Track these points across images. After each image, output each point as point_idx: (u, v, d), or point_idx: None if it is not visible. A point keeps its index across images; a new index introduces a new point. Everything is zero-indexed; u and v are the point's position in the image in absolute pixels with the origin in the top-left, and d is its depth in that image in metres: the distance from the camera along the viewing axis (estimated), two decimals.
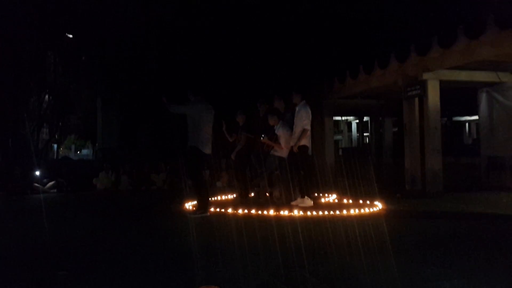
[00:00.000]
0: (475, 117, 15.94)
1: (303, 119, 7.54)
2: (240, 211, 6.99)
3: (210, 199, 7.32)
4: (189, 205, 7.85)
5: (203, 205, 6.75)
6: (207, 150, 6.78)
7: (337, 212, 6.72)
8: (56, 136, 20.06)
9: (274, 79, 15.09)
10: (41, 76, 16.71)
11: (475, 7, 10.92)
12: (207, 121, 6.77)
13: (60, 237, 5.36)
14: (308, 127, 7.57)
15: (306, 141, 7.60)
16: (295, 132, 7.62)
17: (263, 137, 8.04)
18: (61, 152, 27.82)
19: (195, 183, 6.85)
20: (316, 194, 8.58)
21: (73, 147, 40.63)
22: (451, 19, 11.05)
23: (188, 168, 6.93)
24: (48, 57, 17.44)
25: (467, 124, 22.58)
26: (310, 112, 7.65)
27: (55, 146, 23.48)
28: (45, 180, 11.78)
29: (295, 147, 7.53)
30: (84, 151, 40.60)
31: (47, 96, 17.78)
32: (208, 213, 6.74)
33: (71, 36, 17.26)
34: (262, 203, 7.78)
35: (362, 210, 6.88)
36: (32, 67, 15.96)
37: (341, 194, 8.84)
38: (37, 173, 12.17)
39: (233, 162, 9.33)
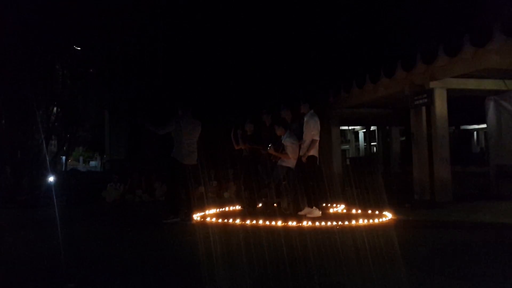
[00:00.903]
0: (483, 126, 15.88)
1: (312, 129, 7.53)
2: (247, 222, 6.97)
3: (197, 207, 7.92)
4: (197, 216, 7.85)
5: (174, 210, 7.32)
6: (188, 161, 7.38)
7: (346, 222, 6.68)
8: (65, 148, 20.17)
9: (280, 88, 15.12)
10: (49, 88, 16.85)
11: (482, 14, 10.90)
12: (190, 134, 7.43)
13: (68, 249, 5.36)
14: (317, 138, 7.56)
15: (314, 152, 7.59)
16: (304, 141, 7.61)
17: (269, 147, 8.03)
18: (69, 164, 27.93)
19: (170, 189, 7.71)
20: (324, 204, 8.54)
21: (81, 159, 40.86)
22: (458, 27, 11.03)
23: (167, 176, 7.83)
24: (56, 70, 17.61)
25: (475, 133, 22.46)
26: (318, 122, 7.65)
27: (63, 158, 23.60)
28: (64, 198, 11.78)
29: (304, 158, 7.52)
30: (92, 163, 40.78)
31: (55, 109, 17.91)
32: (179, 219, 7.25)
33: (79, 48, 17.43)
34: (269, 214, 7.76)
35: (370, 220, 6.83)
36: (40, 79, 16.10)
37: (349, 204, 8.79)
38: (50, 180, 12.24)
39: (240, 172, 9.32)
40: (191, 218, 7.33)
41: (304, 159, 7.52)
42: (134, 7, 15.38)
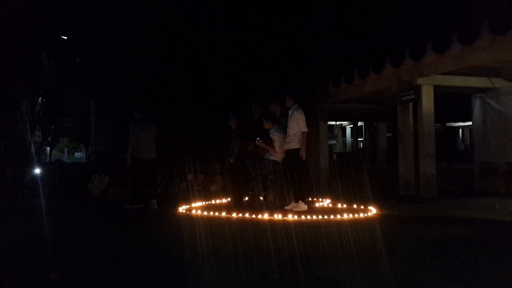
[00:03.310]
0: (469, 123, 16.05)
1: (300, 122, 7.56)
2: (234, 215, 6.96)
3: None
4: (182, 208, 7.82)
5: (137, 198, 8.58)
6: (147, 157, 8.59)
7: (331, 216, 6.70)
8: (49, 139, 19.91)
9: (269, 82, 15.09)
10: (34, 78, 16.59)
11: (470, 12, 10.97)
12: (146, 134, 8.62)
13: (52, 240, 5.30)
14: (306, 129, 7.60)
15: (299, 145, 7.60)
16: (289, 135, 7.63)
17: (257, 140, 8.02)
18: (53, 155, 27.63)
19: (133, 181, 9.04)
20: (310, 199, 8.56)
21: (66, 150, 40.44)
22: (446, 24, 11.09)
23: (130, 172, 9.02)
24: (42, 59, 17.34)
25: (460, 130, 22.70)
26: (303, 114, 7.69)
27: (48, 149, 23.33)
28: (47, 189, 11.63)
29: (303, 152, 7.52)
30: (77, 154, 40.40)
31: (40, 99, 17.65)
32: (142, 205, 8.46)
33: (65, 38, 17.18)
34: (256, 207, 7.76)
35: (356, 215, 6.86)
36: (25, 69, 15.85)
37: (335, 198, 8.82)
38: (34, 171, 12.06)
39: (227, 166, 9.32)
40: (154, 203, 8.41)
41: (303, 153, 7.53)
42: None
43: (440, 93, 9.82)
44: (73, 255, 4.48)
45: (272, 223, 6.30)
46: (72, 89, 18.45)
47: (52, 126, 18.35)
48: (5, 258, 4.39)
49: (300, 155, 7.56)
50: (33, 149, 16.50)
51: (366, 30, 16.53)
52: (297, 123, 7.57)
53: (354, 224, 6.09)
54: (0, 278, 3.66)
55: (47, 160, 20.97)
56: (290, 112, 7.78)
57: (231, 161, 8.89)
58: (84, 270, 3.88)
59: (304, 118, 7.64)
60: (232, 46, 16.47)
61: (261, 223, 6.33)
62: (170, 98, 16.19)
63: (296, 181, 7.65)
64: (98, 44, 16.91)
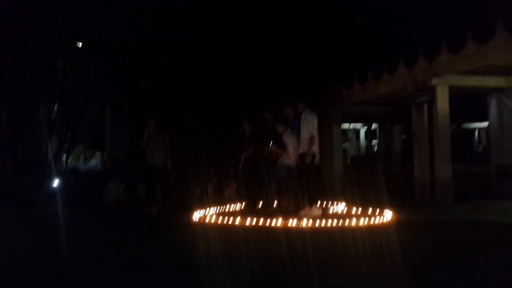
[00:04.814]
0: (485, 124, 15.81)
1: (310, 125, 7.52)
2: (248, 220, 6.93)
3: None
4: (197, 214, 7.82)
5: (153, 202, 9.29)
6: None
7: (346, 222, 6.62)
8: (65, 146, 20.11)
9: (281, 86, 15.06)
10: (50, 85, 16.79)
11: (484, 10, 10.81)
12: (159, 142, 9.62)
13: (67, 249, 5.33)
14: (314, 133, 7.53)
15: (314, 148, 7.54)
16: (302, 140, 7.58)
17: (271, 145, 7.99)
18: (69, 163, 27.87)
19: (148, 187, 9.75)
20: (324, 203, 8.48)
21: (82, 157, 40.82)
22: (460, 23, 10.95)
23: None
24: (57, 66, 17.54)
25: (476, 131, 22.35)
26: (316, 118, 7.63)
27: (64, 156, 23.54)
28: (64, 197, 11.74)
29: (308, 157, 7.45)
30: (92, 162, 40.68)
31: (56, 106, 17.82)
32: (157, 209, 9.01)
33: (80, 44, 17.37)
34: (270, 213, 7.71)
35: (371, 220, 6.77)
36: (41, 76, 16.05)
37: (350, 203, 8.73)
38: (51, 179, 12.18)
39: (241, 171, 9.30)
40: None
41: (308, 159, 7.46)
42: (136, 2, 15.33)
43: (456, 94, 9.68)
44: (87, 263, 4.49)
45: (286, 228, 6.25)
46: (87, 95, 18.61)
47: (68, 134, 18.52)
48: (22, 266, 4.42)
49: (312, 159, 7.49)
50: (51, 157, 16.67)
51: (379, 31, 16.41)
52: (307, 126, 7.52)
53: (369, 229, 6.02)
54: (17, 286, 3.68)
55: (63, 168, 21.16)
56: (303, 116, 7.73)
57: (241, 168, 8.88)
58: (99, 277, 3.89)
59: (315, 122, 7.58)
60: (245, 49, 16.48)
61: (275, 229, 6.29)
62: (184, 103, 16.27)
63: (310, 186, 7.58)
64: (113, 50, 17.06)
